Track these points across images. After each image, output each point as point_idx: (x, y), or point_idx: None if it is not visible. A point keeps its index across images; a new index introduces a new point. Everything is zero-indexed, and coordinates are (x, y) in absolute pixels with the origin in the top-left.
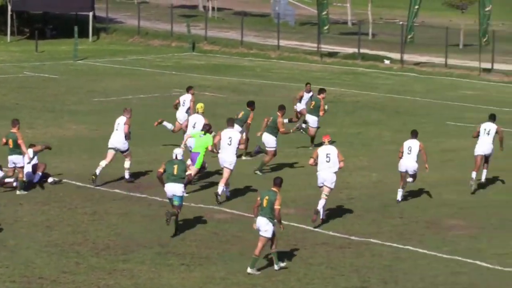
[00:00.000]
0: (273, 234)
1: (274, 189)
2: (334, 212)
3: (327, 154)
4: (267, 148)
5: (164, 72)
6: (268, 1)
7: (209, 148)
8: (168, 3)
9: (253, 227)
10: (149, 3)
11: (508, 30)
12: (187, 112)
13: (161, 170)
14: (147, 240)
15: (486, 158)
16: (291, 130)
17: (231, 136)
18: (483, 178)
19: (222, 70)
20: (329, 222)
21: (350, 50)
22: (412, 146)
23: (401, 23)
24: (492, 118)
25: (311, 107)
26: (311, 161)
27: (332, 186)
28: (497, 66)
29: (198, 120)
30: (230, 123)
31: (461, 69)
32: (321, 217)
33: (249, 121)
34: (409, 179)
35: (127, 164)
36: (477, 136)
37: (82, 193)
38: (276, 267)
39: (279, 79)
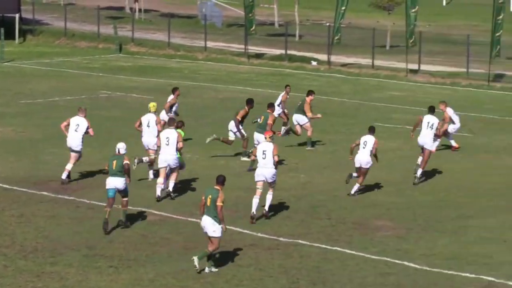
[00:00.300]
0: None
1: (217, 187)
2: (262, 213)
3: (263, 151)
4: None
5: (91, 73)
6: (195, 2)
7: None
8: (95, 4)
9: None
10: (76, 4)
11: (434, 31)
12: (174, 112)
13: (107, 167)
14: (75, 242)
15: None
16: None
17: (169, 136)
18: (418, 174)
19: (149, 72)
20: (257, 223)
21: (277, 52)
22: (367, 141)
23: (327, 24)
24: (432, 110)
25: (297, 106)
26: (252, 157)
27: (273, 180)
28: (423, 67)
29: (151, 119)
30: (171, 122)
31: (388, 70)
32: (266, 211)
33: (237, 117)
34: (355, 174)
35: (69, 166)
36: (417, 126)
37: (8, 196)
38: (207, 269)
39: (206, 81)
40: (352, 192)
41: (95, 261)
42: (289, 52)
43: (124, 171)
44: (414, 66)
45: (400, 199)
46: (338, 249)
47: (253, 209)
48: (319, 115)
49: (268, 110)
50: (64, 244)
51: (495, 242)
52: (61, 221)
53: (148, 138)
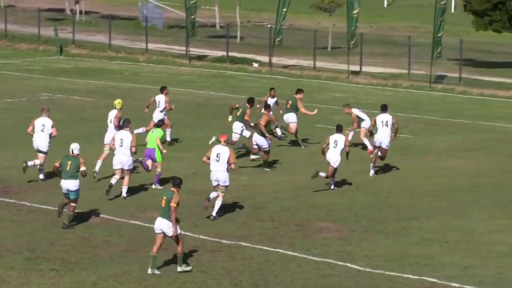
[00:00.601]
0: (178, 235)
1: (172, 189)
2: (205, 215)
3: (217, 154)
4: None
5: (32, 76)
6: (136, 4)
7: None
8: (35, 6)
9: None
10: (16, 6)
11: (375, 32)
12: (162, 111)
13: (57, 164)
14: (16, 245)
15: (382, 151)
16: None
17: (123, 138)
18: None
19: (90, 74)
20: (200, 226)
21: (219, 53)
22: (338, 140)
23: (269, 26)
24: (385, 108)
25: (288, 106)
26: (204, 158)
27: (226, 184)
28: (365, 68)
29: (113, 116)
30: (126, 124)
31: (329, 72)
32: (214, 216)
33: (246, 117)
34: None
35: (37, 161)
36: (373, 127)
37: None
38: (149, 271)
39: (147, 83)
40: (332, 187)
41: (36, 264)
42: (230, 53)
43: (81, 174)
44: (356, 68)
45: (343, 200)
46: (281, 251)
47: (210, 196)
48: (315, 111)
49: (264, 111)
50: (5, 247)
51: (437, 243)
52: (2, 224)
53: (109, 134)
